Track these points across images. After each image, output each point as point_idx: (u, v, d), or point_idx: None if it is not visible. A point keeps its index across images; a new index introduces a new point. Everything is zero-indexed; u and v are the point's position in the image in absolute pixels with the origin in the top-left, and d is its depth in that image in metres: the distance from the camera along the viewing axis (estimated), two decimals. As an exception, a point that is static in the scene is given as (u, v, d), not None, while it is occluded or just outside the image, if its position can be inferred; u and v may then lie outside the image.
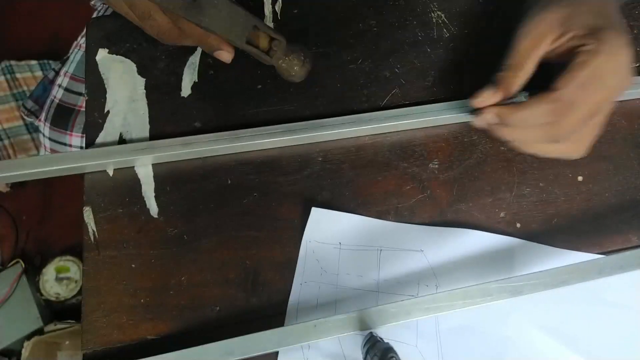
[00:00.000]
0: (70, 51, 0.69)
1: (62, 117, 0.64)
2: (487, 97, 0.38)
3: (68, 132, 0.63)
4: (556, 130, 0.36)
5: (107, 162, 0.42)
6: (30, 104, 0.74)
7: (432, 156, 0.44)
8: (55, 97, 0.65)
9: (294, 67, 0.39)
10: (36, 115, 0.72)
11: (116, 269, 0.40)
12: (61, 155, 0.42)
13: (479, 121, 0.39)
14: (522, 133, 0.37)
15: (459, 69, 0.47)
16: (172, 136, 0.44)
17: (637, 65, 0.47)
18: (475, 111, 0.39)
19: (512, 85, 0.37)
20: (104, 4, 0.37)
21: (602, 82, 0.34)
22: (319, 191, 0.43)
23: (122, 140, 0.44)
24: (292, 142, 0.44)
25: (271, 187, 0.43)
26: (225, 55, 0.38)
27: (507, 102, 0.38)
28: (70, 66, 0.66)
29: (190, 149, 0.42)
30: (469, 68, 0.47)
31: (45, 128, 0.64)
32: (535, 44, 0.37)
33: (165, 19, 0.35)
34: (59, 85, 0.65)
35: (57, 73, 0.69)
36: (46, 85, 0.72)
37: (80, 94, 0.64)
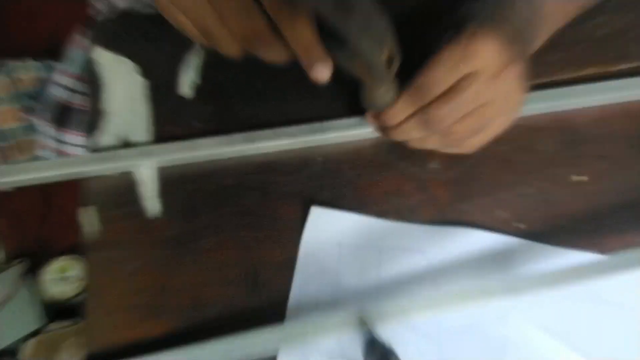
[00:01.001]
0: (71, 50, 0.69)
1: (62, 116, 0.64)
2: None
3: (68, 130, 0.63)
4: (427, 118, 0.36)
5: (107, 167, 0.42)
6: (30, 102, 0.74)
7: (432, 156, 0.44)
8: (55, 95, 0.65)
9: (390, 93, 0.35)
10: (36, 114, 0.72)
11: (117, 269, 0.40)
12: (61, 161, 0.42)
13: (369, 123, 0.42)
14: (404, 130, 0.39)
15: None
16: (172, 136, 0.44)
17: (638, 65, 0.47)
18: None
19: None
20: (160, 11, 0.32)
21: (453, 69, 0.34)
22: (319, 191, 0.43)
23: (122, 141, 0.45)
24: (292, 146, 0.44)
25: (271, 187, 0.43)
26: (324, 73, 0.29)
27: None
28: (71, 65, 0.66)
29: (191, 153, 0.42)
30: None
31: (45, 127, 0.64)
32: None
33: (262, 20, 0.28)
34: (59, 84, 0.65)
35: (57, 72, 0.69)
36: (46, 84, 0.72)
37: (80, 92, 0.64)
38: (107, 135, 0.45)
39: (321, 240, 0.41)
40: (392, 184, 0.43)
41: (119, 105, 0.46)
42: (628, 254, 0.38)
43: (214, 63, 0.47)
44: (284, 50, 0.30)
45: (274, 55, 0.31)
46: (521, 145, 0.44)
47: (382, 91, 0.35)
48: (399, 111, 0.37)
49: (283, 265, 0.41)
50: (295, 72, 0.47)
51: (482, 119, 0.38)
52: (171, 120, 0.45)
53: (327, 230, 0.41)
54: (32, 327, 1.04)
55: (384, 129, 0.40)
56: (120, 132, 0.45)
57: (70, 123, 0.63)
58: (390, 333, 0.37)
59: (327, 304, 0.40)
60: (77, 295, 1.10)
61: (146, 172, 0.43)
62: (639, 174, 0.44)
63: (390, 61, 0.31)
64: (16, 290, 1.06)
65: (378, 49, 0.28)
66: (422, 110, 0.36)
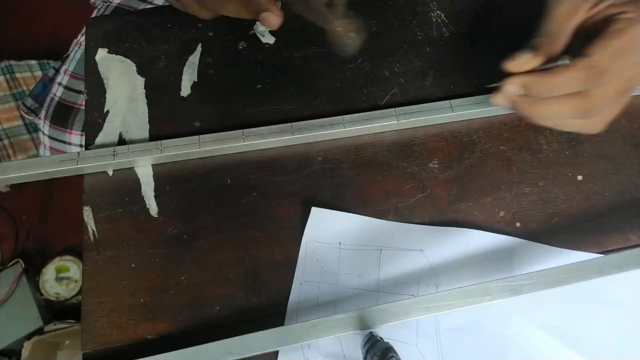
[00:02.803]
0: (71, 49, 0.69)
1: (62, 115, 0.64)
2: (525, 61, 0.34)
3: (68, 130, 0.63)
4: (586, 103, 0.33)
5: (106, 164, 0.42)
6: (30, 102, 0.74)
7: (432, 155, 0.44)
8: (55, 95, 0.65)
9: (349, 33, 0.34)
10: (36, 113, 0.72)
11: (116, 268, 0.40)
12: (60, 157, 0.42)
13: (500, 97, 0.36)
14: (550, 106, 0.34)
15: (459, 69, 0.47)
16: (171, 136, 0.44)
17: None
18: (494, 89, 0.36)
19: (550, 51, 0.34)
20: None
21: (638, 54, 0.32)
22: (319, 191, 0.43)
23: (121, 140, 0.44)
24: (292, 142, 0.44)
25: (271, 186, 0.43)
26: (273, 20, 0.32)
27: (538, 68, 0.34)
28: (71, 64, 0.66)
29: (190, 150, 0.42)
30: (469, 67, 0.47)
31: (45, 126, 0.64)
32: (572, 11, 0.34)
33: None
34: (59, 84, 0.65)
35: (57, 71, 0.69)
36: (46, 83, 0.72)
37: (80, 92, 0.64)
38: (107, 135, 0.45)
39: (321, 240, 0.41)
40: (392, 184, 0.43)
41: (119, 104, 0.46)
42: (628, 254, 0.38)
43: (214, 63, 0.47)
44: (241, 7, 0.34)
45: (233, 12, 0.35)
46: (521, 145, 0.44)
47: (340, 32, 0.34)
48: (563, 84, 0.33)
49: (283, 265, 0.41)
50: (295, 72, 0.47)
51: (627, 98, 0.35)
52: (171, 120, 0.45)
53: (327, 230, 0.41)
54: (31, 328, 1.04)
55: (522, 98, 0.35)
56: (120, 131, 0.45)
57: (70, 122, 0.63)
58: (390, 333, 0.37)
59: (327, 304, 0.40)
60: (76, 295, 1.10)
61: (145, 171, 0.43)
62: (639, 173, 0.44)
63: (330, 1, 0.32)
64: (15, 290, 1.06)
65: None
66: (587, 92, 0.33)
